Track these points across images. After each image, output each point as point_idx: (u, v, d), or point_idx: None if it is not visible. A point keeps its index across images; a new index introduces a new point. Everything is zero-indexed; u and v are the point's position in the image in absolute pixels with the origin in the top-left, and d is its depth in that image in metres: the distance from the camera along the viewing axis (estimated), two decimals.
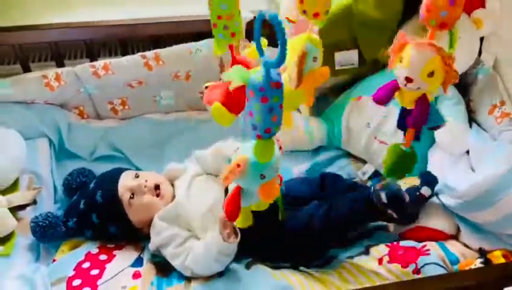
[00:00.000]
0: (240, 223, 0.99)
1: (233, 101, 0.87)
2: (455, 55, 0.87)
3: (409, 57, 0.86)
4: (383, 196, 1.18)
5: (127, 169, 1.39)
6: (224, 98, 0.88)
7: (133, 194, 1.27)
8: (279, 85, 0.74)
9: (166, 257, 1.23)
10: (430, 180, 1.25)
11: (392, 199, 1.17)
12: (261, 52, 0.73)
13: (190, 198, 1.27)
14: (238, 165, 0.83)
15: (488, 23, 1.38)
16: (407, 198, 1.19)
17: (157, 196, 1.29)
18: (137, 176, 1.31)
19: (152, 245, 1.25)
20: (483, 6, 1.39)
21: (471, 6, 1.39)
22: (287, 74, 0.93)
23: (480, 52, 1.43)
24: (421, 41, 0.86)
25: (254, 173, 0.85)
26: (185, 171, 1.36)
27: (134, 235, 1.31)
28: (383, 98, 0.96)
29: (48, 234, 1.26)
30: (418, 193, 1.24)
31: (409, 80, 0.87)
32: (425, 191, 1.23)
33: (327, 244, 1.27)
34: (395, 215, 1.19)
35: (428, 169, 1.39)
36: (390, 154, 1.01)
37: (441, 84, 0.88)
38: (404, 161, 1.01)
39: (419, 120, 0.93)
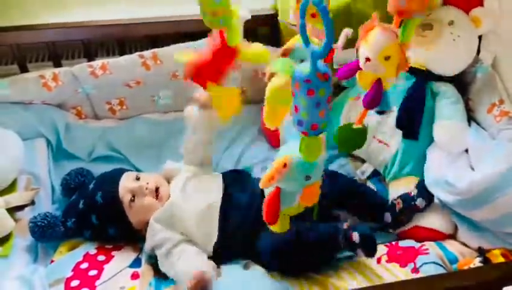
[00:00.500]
0: (277, 228, 0.92)
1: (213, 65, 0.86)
2: (409, 45, 0.93)
3: (372, 38, 0.93)
4: (355, 236, 1.16)
5: (127, 170, 1.38)
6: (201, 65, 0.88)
7: (133, 196, 1.27)
8: (326, 76, 0.69)
9: (158, 259, 1.22)
10: (426, 194, 1.29)
11: (365, 241, 1.16)
12: (306, 41, 0.70)
13: (185, 198, 1.27)
14: (285, 165, 0.78)
15: (486, 22, 1.38)
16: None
17: (157, 197, 1.29)
18: (138, 178, 1.31)
19: (147, 246, 1.25)
20: (482, 4, 1.39)
21: (469, 4, 1.40)
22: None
23: (478, 51, 1.43)
24: (385, 26, 0.93)
25: (299, 174, 0.80)
26: (179, 176, 1.35)
27: (133, 237, 1.31)
28: (346, 74, 1.03)
29: (47, 234, 1.25)
30: (413, 203, 1.28)
31: (367, 59, 0.93)
32: (420, 203, 1.27)
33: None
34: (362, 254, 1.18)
35: (426, 167, 1.39)
36: (341, 132, 1.05)
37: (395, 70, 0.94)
38: (355, 138, 1.05)
39: (372, 101, 0.98)
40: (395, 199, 1.31)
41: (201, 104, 1.29)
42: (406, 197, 1.30)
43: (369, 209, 1.33)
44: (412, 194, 1.30)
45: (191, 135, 1.35)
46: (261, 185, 0.84)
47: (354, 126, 1.04)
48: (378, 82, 0.96)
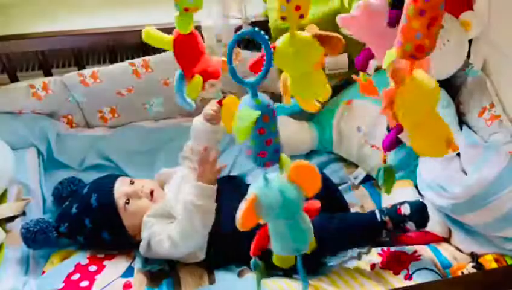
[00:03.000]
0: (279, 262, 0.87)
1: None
2: None
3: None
4: (405, 208, 1.18)
5: (120, 175, 1.38)
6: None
7: (128, 199, 1.27)
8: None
9: (155, 247, 1.21)
10: (420, 217, 1.21)
11: (416, 210, 1.18)
12: (238, 79, 0.68)
13: (179, 200, 1.27)
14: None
15: (476, 26, 1.38)
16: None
17: (152, 200, 1.29)
18: (132, 183, 1.31)
19: (143, 242, 1.24)
20: (471, 8, 1.40)
21: (459, 9, 1.40)
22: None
23: (469, 55, 1.43)
24: None
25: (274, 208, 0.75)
26: (175, 176, 1.35)
27: (126, 243, 1.30)
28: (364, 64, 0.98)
29: (40, 240, 1.24)
30: (402, 225, 1.20)
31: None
32: (410, 226, 1.21)
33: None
34: (413, 228, 1.19)
35: (419, 171, 1.39)
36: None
37: None
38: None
39: (390, 145, 0.89)
40: (384, 215, 1.21)
41: (210, 118, 1.31)
42: (397, 218, 1.20)
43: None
44: (403, 212, 1.20)
45: (194, 144, 1.36)
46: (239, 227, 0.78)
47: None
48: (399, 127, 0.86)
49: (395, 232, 1.22)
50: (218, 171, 1.25)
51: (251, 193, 0.75)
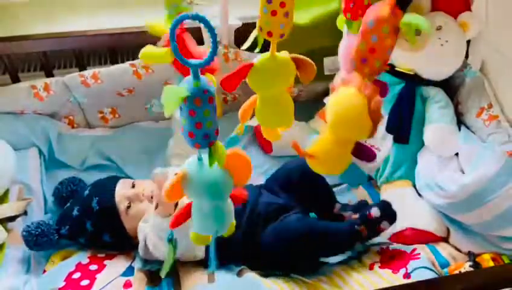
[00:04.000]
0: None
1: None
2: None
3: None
4: (374, 211, 1.20)
5: (121, 177, 1.38)
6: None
7: (129, 203, 1.27)
8: (211, 83, 0.73)
9: (152, 250, 1.21)
10: (389, 213, 1.23)
11: (385, 209, 1.21)
12: (183, 60, 0.69)
13: None
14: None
15: (474, 26, 1.39)
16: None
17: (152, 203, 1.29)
18: (133, 186, 1.32)
19: (140, 244, 1.24)
20: (469, 9, 1.40)
21: (457, 10, 1.41)
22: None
23: (467, 55, 1.44)
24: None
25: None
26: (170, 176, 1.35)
27: (126, 245, 1.31)
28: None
29: (41, 243, 1.25)
30: (377, 227, 1.22)
31: None
32: (384, 225, 1.22)
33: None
34: (387, 226, 1.21)
35: (417, 171, 1.40)
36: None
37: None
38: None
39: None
40: (358, 225, 1.22)
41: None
42: (369, 222, 1.22)
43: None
44: (374, 216, 1.22)
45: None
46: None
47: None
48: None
49: (371, 235, 1.23)
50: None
51: (183, 168, 0.78)
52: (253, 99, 0.91)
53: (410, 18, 0.71)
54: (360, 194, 1.51)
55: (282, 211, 1.25)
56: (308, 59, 0.85)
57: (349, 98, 0.78)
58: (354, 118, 0.78)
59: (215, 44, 0.68)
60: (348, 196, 1.50)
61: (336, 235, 1.21)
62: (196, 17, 0.66)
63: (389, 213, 1.23)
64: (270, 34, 0.79)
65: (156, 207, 1.20)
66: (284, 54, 0.85)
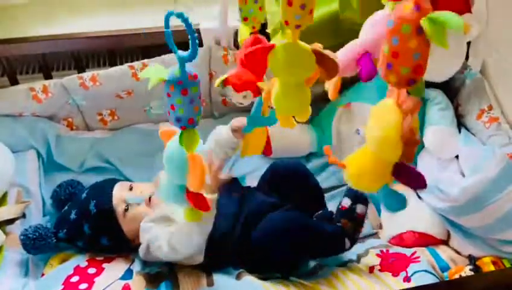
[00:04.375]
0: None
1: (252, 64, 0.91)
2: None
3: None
4: (345, 202, 1.21)
5: (119, 180, 1.38)
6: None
7: (127, 206, 1.27)
8: (196, 76, 0.81)
9: (154, 252, 1.21)
10: (359, 196, 1.22)
11: (352, 195, 1.22)
12: (174, 48, 0.78)
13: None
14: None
15: (474, 27, 1.38)
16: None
17: (150, 205, 1.29)
18: (131, 188, 1.31)
19: (142, 245, 1.23)
20: (470, 10, 1.40)
21: (457, 11, 1.40)
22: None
23: (467, 57, 1.43)
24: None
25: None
26: None
27: (125, 247, 1.30)
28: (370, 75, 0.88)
29: (39, 246, 1.25)
30: (355, 214, 1.21)
31: None
32: (361, 210, 1.21)
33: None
34: (363, 210, 1.21)
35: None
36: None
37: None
38: None
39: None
40: (339, 221, 1.22)
41: (236, 129, 1.25)
42: (346, 213, 1.22)
43: None
44: (348, 205, 1.22)
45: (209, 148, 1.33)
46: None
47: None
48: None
49: (356, 225, 1.22)
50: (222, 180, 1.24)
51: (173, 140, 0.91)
52: (269, 85, 0.94)
53: (437, 14, 0.60)
54: None
55: (273, 210, 1.26)
56: (330, 54, 0.84)
57: (383, 111, 0.70)
58: (383, 135, 0.70)
59: (195, 45, 0.75)
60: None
61: (318, 229, 1.20)
62: (179, 16, 0.73)
63: (358, 197, 1.22)
64: (286, 23, 0.80)
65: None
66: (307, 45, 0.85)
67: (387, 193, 0.81)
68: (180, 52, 0.79)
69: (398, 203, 0.82)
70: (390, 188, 0.81)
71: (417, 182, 0.76)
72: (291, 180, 1.32)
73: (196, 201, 0.95)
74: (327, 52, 0.85)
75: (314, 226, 1.21)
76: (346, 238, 1.20)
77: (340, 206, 1.24)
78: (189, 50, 0.76)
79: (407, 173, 0.76)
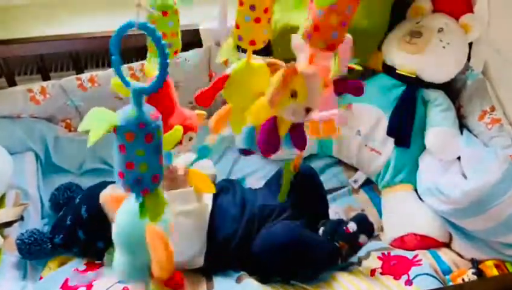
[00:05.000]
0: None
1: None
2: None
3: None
4: (351, 226, 1.18)
5: (113, 182, 1.36)
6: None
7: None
8: (157, 115, 0.59)
9: None
10: (367, 226, 1.21)
11: (361, 222, 1.20)
12: (124, 80, 0.56)
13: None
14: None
15: (476, 28, 1.37)
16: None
17: None
18: None
19: None
20: (471, 11, 1.39)
21: (459, 12, 1.39)
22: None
23: (469, 58, 1.42)
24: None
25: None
26: None
27: None
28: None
29: (34, 251, 1.24)
30: (356, 243, 1.20)
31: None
32: (363, 239, 1.20)
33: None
34: (366, 240, 1.20)
35: (419, 175, 1.38)
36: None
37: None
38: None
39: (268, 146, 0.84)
40: (337, 241, 1.20)
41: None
42: (348, 238, 1.19)
43: None
44: (352, 230, 1.20)
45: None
46: None
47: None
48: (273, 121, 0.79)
49: (352, 252, 1.21)
50: None
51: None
52: (225, 111, 0.88)
53: None
54: (361, 198, 1.50)
55: (275, 215, 1.24)
56: (282, 62, 0.83)
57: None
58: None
59: (165, 63, 0.54)
60: (348, 200, 1.49)
61: (316, 248, 1.18)
62: (143, 27, 0.54)
63: (365, 226, 1.21)
64: (252, 42, 0.75)
65: None
66: (259, 60, 0.82)
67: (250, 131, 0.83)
68: (137, 83, 0.55)
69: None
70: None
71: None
72: (301, 187, 1.29)
73: (171, 284, 0.76)
74: (276, 61, 0.84)
75: (313, 244, 1.19)
76: (339, 258, 1.19)
77: (344, 227, 1.21)
78: (155, 78, 0.56)
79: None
